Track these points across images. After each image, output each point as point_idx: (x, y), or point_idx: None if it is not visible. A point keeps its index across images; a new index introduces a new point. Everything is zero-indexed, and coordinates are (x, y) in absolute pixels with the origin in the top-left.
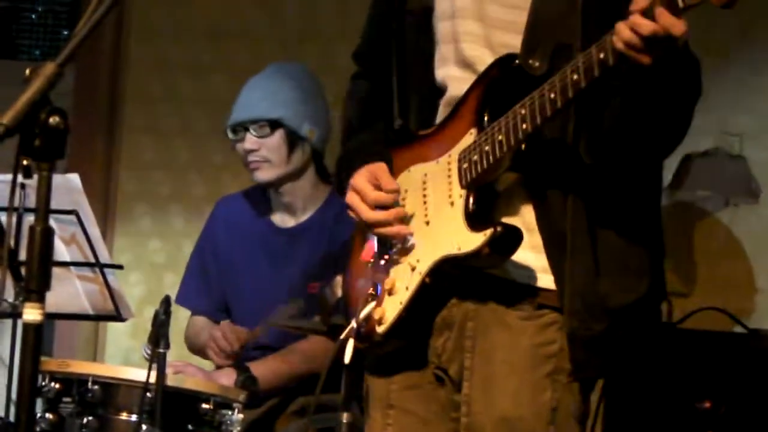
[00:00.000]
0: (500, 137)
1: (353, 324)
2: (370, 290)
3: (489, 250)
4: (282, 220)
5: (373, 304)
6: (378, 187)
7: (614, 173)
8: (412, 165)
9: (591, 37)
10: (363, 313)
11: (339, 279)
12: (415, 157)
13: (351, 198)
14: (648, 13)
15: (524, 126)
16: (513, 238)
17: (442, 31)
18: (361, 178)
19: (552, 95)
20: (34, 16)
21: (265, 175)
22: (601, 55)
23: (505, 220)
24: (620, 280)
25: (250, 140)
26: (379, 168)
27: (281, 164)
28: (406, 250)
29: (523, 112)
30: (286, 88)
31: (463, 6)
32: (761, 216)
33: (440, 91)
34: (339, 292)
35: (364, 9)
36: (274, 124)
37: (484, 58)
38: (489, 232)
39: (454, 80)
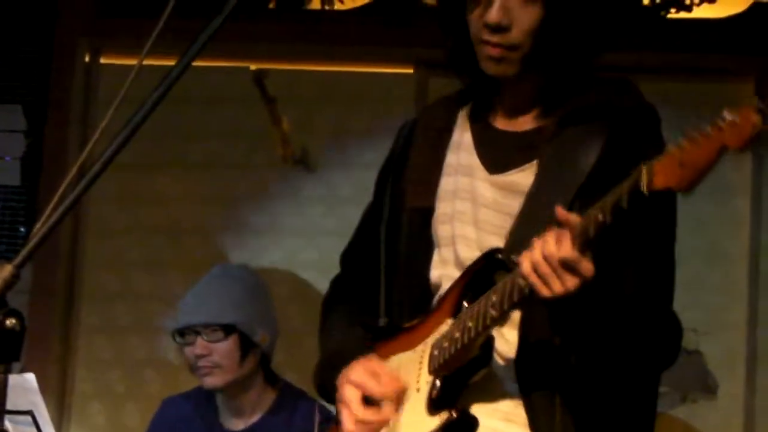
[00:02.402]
0: (470, 323)
1: None
2: None
3: None
4: (230, 422)
5: None
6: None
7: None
8: (393, 355)
9: None
10: None
11: None
12: (396, 347)
13: (349, 392)
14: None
15: (492, 312)
16: (468, 426)
17: (442, 234)
18: (358, 372)
19: (521, 280)
20: None
21: (215, 381)
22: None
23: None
24: None
25: (201, 345)
26: (375, 362)
27: (233, 370)
28: None
29: (494, 298)
30: (238, 291)
31: (462, 210)
32: (719, 410)
33: (432, 291)
34: None
35: (320, 205)
36: (228, 329)
37: (475, 259)
38: (445, 415)
39: (449, 279)
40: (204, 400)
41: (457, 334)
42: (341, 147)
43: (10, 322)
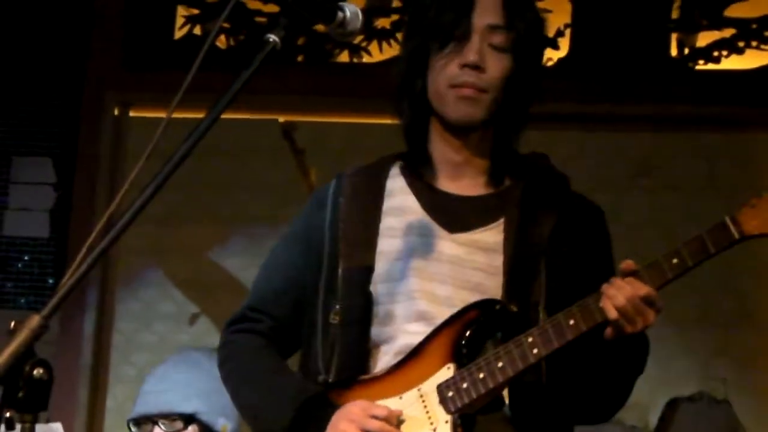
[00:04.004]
0: (500, 364)
1: None
2: None
3: None
4: None
5: None
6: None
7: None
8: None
9: (554, 301)
10: None
11: None
12: (364, 396)
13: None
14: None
15: (536, 351)
16: None
17: (392, 291)
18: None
19: (571, 321)
20: (20, 265)
21: None
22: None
23: None
24: None
25: None
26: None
27: None
28: None
29: (530, 339)
30: (198, 378)
31: (420, 267)
32: None
33: (371, 346)
34: None
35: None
36: (188, 420)
37: (442, 313)
38: None
39: (405, 333)
40: None
41: (482, 375)
42: None
43: (38, 372)
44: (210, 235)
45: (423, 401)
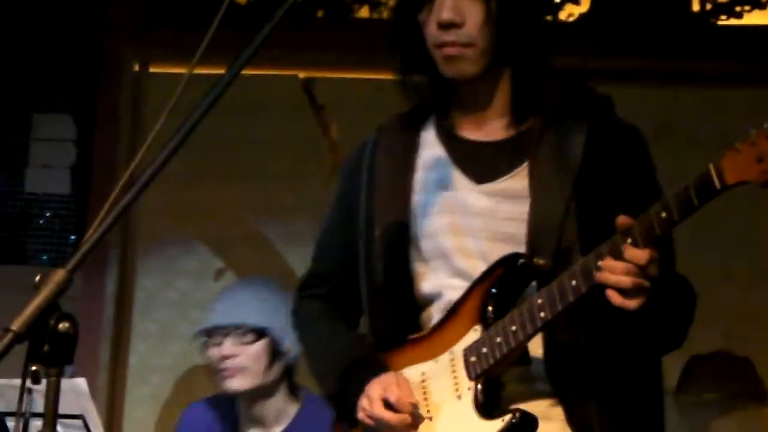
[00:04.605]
0: (513, 327)
1: None
2: None
3: None
4: None
5: None
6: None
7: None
8: (408, 366)
9: (589, 240)
10: None
11: None
12: (407, 359)
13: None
14: (617, 255)
15: (542, 314)
16: (530, 425)
17: (430, 247)
18: (376, 388)
19: (573, 282)
20: (41, 222)
21: (238, 384)
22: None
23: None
24: None
25: (230, 346)
26: (392, 380)
27: (258, 375)
28: None
29: (539, 301)
30: (271, 298)
31: (451, 222)
32: None
33: (421, 303)
34: None
35: None
36: (260, 333)
37: (477, 268)
38: (507, 417)
39: (450, 288)
40: (225, 407)
41: (499, 339)
42: None
43: (63, 325)
44: (230, 192)
45: (452, 366)
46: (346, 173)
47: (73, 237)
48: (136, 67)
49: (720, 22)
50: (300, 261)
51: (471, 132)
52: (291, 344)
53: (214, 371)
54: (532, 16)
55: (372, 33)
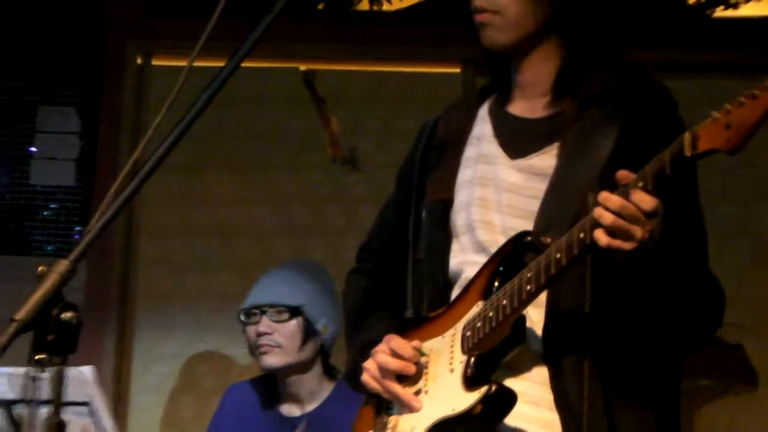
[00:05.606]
0: (504, 302)
1: None
2: None
3: (482, 408)
4: (289, 410)
5: None
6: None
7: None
8: (422, 343)
9: None
10: None
11: None
12: (424, 336)
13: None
14: (624, 193)
15: (529, 287)
16: (507, 399)
17: (460, 222)
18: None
19: (558, 255)
20: (46, 213)
21: (273, 360)
22: (581, 235)
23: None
24: None
25: (265, 323)
26: (394, 338)
27: (292, 352)
28: (405, 421)
29: (528, 274)
30: (306, 279)
31: (482, 196)
32: (762, 404)
33: (452, 279)
34: None
35: (368, 205)
36: (294, 311)
37: (498, 243)
38: (483, 389)
39: (470, 265)
40: (267, 387)
41: (491, 314)
42: (389, 147)
43: (66, 315)
44: (231, 184)
45: (453, 341)
46: (411, 150)
47: (78, 228)
48: (139, 60)
49: (716, 14)
50: (301, 251)
51: (517, 108)
52: (326, 323)
53: (252, 348)
54: None
55: (372, 25)
